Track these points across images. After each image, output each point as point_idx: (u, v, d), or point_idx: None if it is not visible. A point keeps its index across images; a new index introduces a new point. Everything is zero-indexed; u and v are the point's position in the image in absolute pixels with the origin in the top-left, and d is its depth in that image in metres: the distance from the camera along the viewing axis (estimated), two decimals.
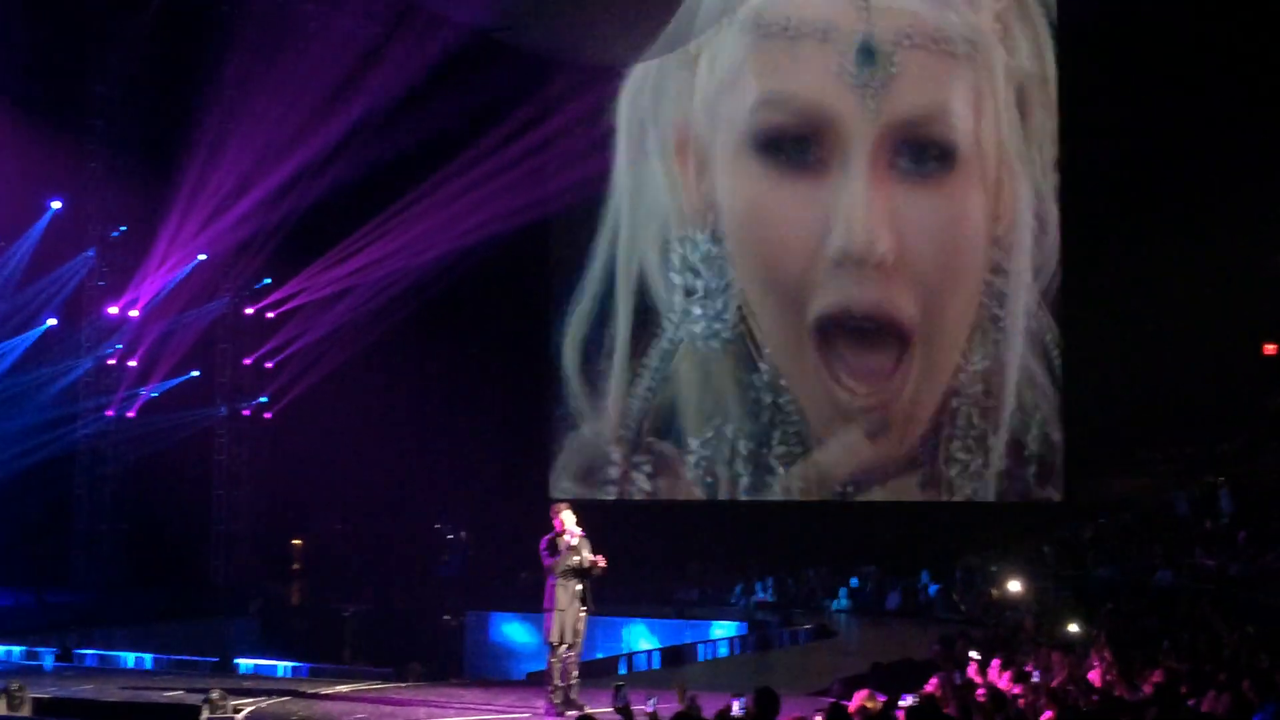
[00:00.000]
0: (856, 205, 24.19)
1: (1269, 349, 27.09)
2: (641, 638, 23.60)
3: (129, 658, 19.36)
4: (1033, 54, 24.97)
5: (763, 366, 24.95)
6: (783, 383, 24.86)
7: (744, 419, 25.22)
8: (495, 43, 25.52)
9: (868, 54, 24.16)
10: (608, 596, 23.99)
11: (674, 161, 25.58)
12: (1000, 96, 24.72)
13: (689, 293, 25.29)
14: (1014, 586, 21.58)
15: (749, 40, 24.93)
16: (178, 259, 25.14)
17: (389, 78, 25.18)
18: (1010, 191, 24.88)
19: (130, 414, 25.50)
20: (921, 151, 24.33)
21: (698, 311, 25.20)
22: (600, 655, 20.61)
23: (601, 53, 25.27)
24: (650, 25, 24.20)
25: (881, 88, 24.19)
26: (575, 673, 12.94)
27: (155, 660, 19.12)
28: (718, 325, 25.09)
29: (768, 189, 24.79)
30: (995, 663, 13.20)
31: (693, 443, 25.56)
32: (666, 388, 25.61)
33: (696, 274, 25.23)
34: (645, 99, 25.83)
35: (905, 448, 24.91)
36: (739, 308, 25.03)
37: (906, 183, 24.31)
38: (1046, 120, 25.11)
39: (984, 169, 24.75)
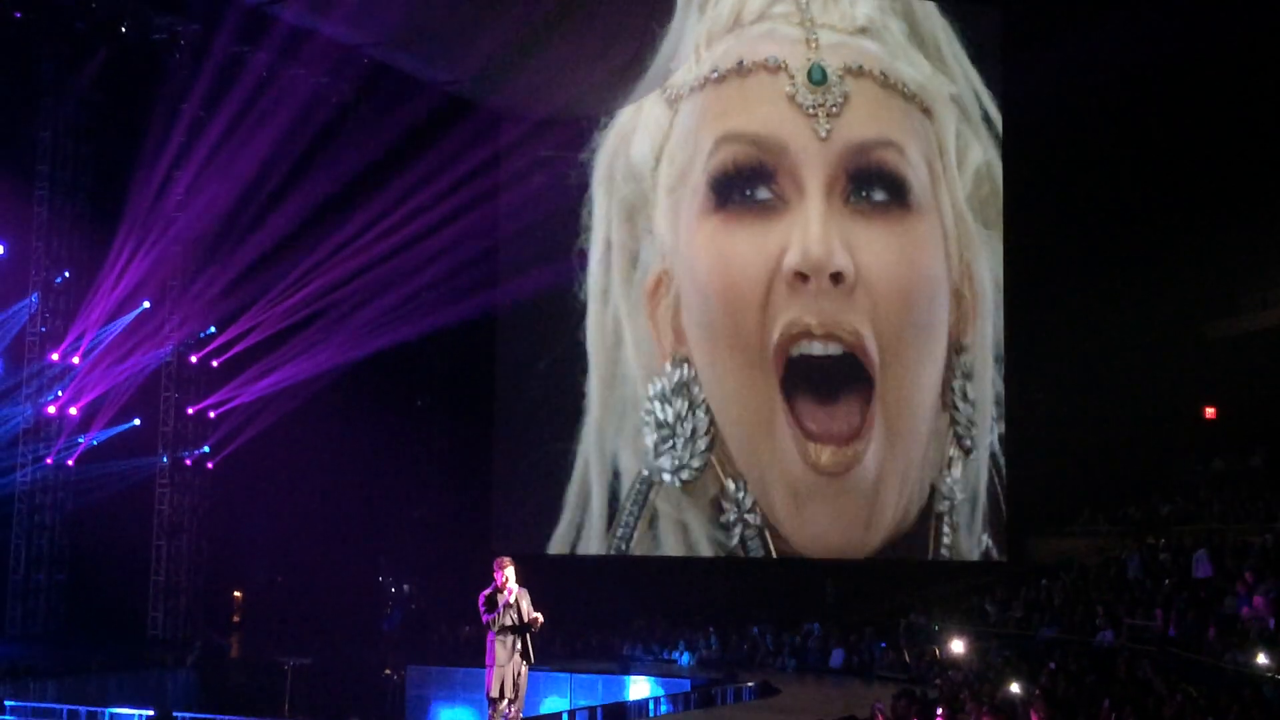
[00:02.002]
0: (812, 224, 24.25)
1: (1209, 413, 27.46)
2: (584, 694, 23.41)
3: (64, 710, 19.02)
4: (982, 140, 25.47)
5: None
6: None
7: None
8: (451, 100, 25.66)
9: (819, 75, 24.45)
10: (554, 653, 24.13)
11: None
12: (951, 161, 25.04)
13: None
14: (957, 647, 21.59)
15: (704, 96, 25.07)
16: (121, 306, 24.96)
17: (335, 128, 25.28)
18: (970, 259, 25.18)
19: (70, 462, 25.19)
20: (874, 180, 24.55)
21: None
22: (544, 711, 20.45)
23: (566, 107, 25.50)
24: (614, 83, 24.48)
25: (834, 110, 24.41)
26: None
27: (90, 713, 18.79)
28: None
29: (726, 234, 24.83)
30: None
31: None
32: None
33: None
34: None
35: (869, 516, 25.08)
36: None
37: (862, 213, 24.48)
38: (993, 200, 25.54)
39: (942, 223, 24.97)
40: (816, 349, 24.23)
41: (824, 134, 24.27)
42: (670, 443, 24.93)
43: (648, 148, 25.40)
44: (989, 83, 25.54)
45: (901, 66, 24.90)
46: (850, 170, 24.39)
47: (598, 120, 25.71)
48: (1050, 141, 24.92)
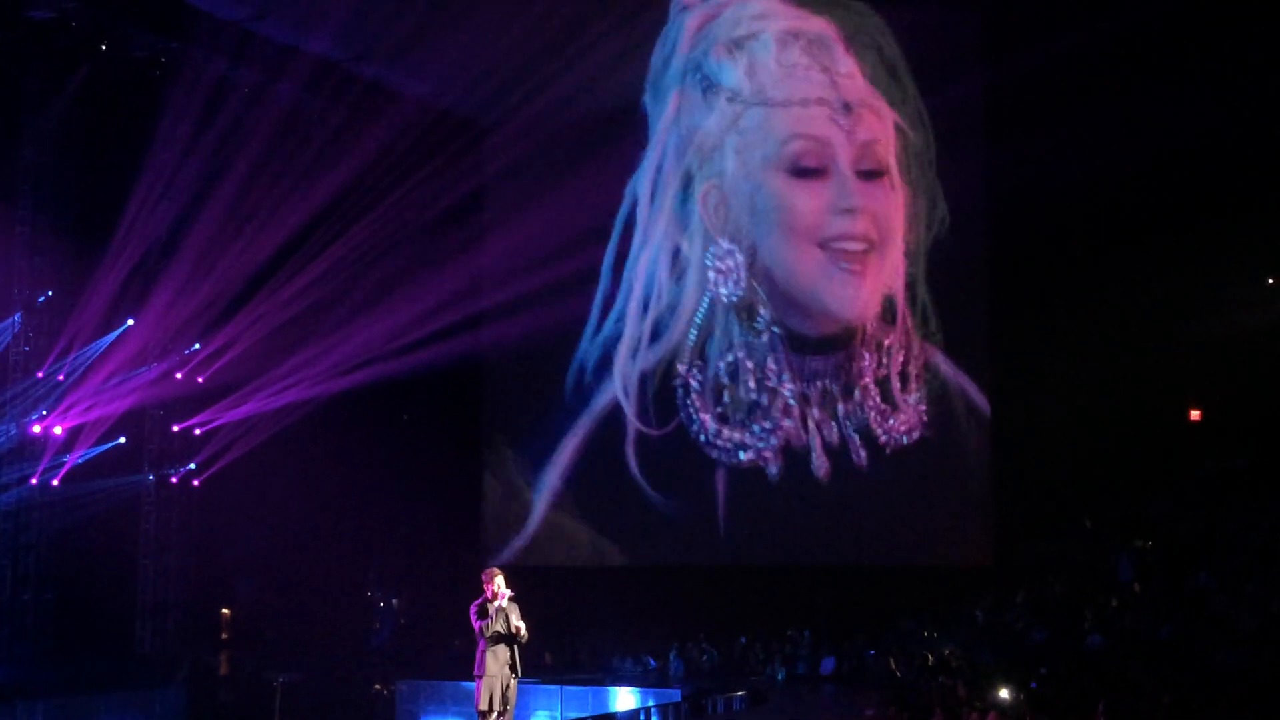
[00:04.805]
0: (847, 184, 25.43)
1: (1194, 414, 27.50)
2: (574, 706, 23.40)
3: None
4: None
5: None
6: None
7: None
8: (442, 115, 25.77)
9: (847, 108, 25.86)
10: (543, 665, 24.10)
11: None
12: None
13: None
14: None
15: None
16: (106, 324, 24.89)
17: (322, 144, 25.29)
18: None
19: (55, 482, 25.08)
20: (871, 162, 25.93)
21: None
22: None
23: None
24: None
25: (850, 129, 25.71)
26: None
27: None
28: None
29: (790, 192, 25.96)
30: None
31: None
32: None
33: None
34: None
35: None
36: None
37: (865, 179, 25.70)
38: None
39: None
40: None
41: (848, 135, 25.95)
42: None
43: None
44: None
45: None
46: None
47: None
48: (1037, 124, 24.91)
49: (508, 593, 12.63)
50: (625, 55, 25.81)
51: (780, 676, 24.77)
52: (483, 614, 12.54)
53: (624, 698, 23.29)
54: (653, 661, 26.30)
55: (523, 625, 12.60)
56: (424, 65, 25.39)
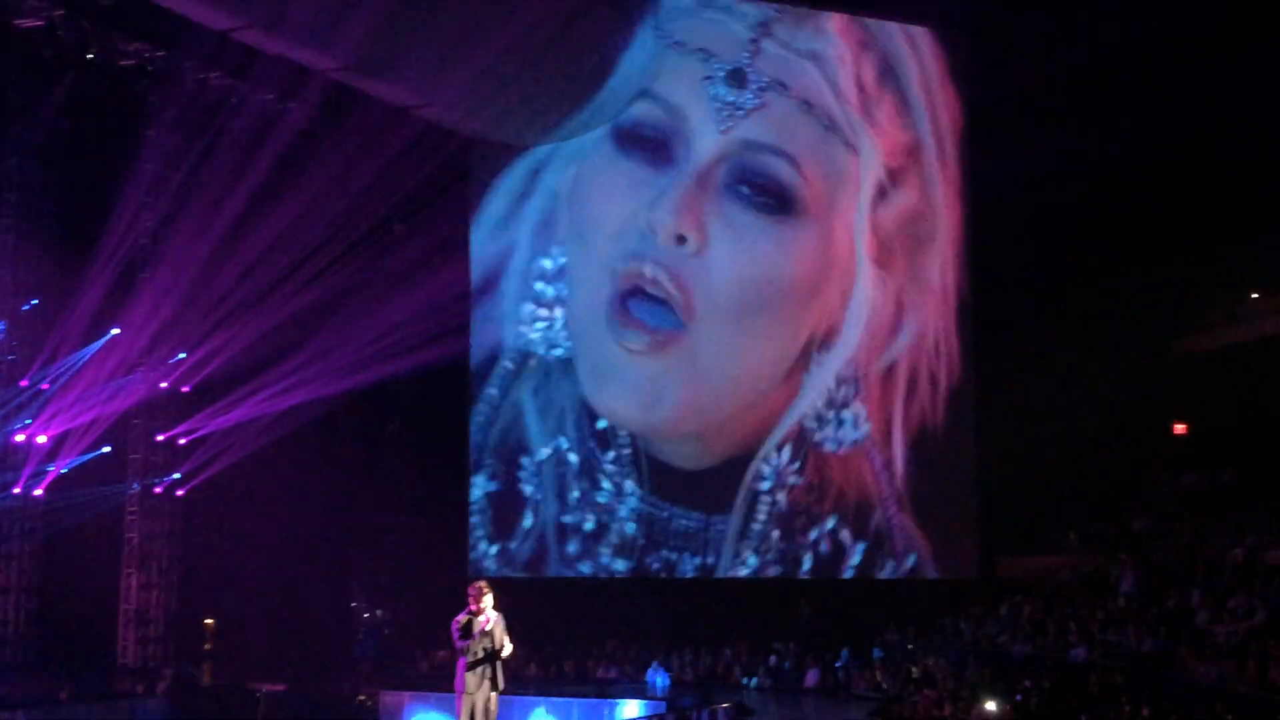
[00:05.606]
0: (679, 192, 24.82)
1: (1178, 428, 27.62)
2: (557, 718, 23.36)
3: None
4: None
5: None
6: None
7: None
8: (427, 124, 25.73)
9: (738, 78, 24.94)
10: (529, 677, 24.04)
11: None
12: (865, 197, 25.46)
13: None
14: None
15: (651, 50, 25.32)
16: (91, 332, 24.83)
17: (309, 156, 25.24)
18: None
19: (38, 491, 24.99)
20: (755, 180, 24.95)
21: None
22: None
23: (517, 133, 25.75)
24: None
25: (740, 114, 24.89)
26: None
27: None
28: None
29: (613, 168, 25.45)
30: None
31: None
32: None
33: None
34: None
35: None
36: None
37: (732, 200, 24.90)
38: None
39: (831, 244, 25.30)
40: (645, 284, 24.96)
41: (725, 125, 24.90)
42: None
43: None
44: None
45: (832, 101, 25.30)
46: (734, 160, 24.94)
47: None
48: (1014, 141, 25.01)
49: (492, 615, 12.48)
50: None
51: (765, 688, 24.75)
52: (466, 632, 12.41)
53: (609, 710, 23.26)
54: (650, 673, 26.30)
55: (507, 640, 12.50)
56: (414, 75, 25.34)
